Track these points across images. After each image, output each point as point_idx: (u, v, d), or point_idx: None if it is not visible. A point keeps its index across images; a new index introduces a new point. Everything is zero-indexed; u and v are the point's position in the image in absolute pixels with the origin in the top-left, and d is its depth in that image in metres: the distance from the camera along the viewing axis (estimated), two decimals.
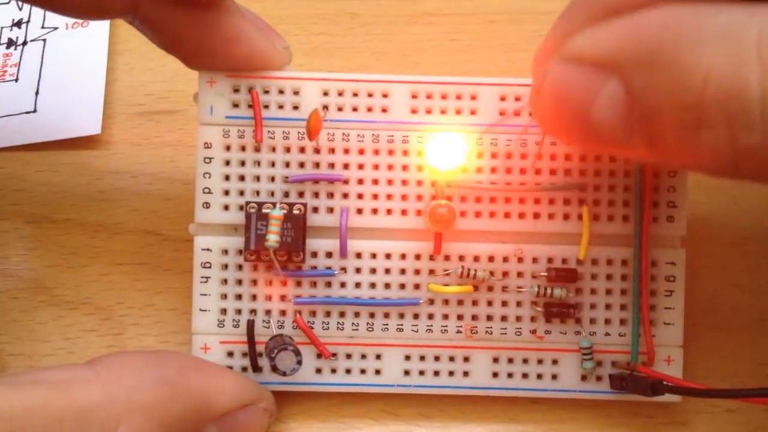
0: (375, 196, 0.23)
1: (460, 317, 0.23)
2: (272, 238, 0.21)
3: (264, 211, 0.22)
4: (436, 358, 0.23)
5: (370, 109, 0.23)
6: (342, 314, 0.23)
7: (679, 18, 0.15)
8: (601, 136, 0.16)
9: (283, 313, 0.23)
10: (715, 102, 0.14)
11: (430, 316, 0.23)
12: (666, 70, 0.14)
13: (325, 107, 0.23)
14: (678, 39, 0.14)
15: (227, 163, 0.23)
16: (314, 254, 0.23)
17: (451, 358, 0.23)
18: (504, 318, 0.23)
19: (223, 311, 0.23)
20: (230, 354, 0.23)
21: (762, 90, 0.14)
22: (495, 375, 0.23)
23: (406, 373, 0.23)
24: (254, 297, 0.23)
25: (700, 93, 0.14)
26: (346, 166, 0.23)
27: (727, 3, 0.15)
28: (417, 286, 0.23)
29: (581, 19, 0.17)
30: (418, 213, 0.23)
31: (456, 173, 0.22)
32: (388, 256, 0.23)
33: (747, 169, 0.15)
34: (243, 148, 0.23)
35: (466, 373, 0.23)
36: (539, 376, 0.23)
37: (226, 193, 0.23)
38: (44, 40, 0.28)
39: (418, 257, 0.23)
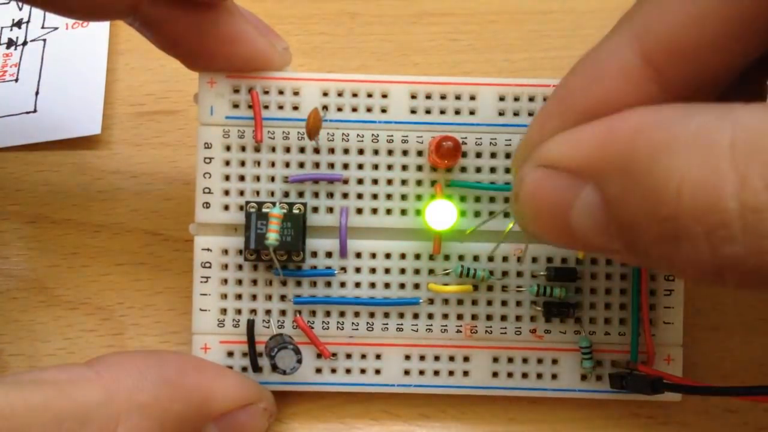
0: (375, 196, 0.23)
1: (459, 317, 0.23)
2: (272, 237, 0.22)
3: (264, 210, 0.22)
4: (436, 358, 0.23)
5: (369, 110, 0.23)
6: (342, 314, 0.23)
7: (651, 125, 0.14)
8: (582, 241, 0.16)
9: (283, 313, 0.23)
10: (692, 215, 0.13)
11: (430, 316, 0.23)
12: (640, 180, 0.14)
13: (325, 107, 0.23)
14: (650, 147, 0.14)
15: (227, 163, 0.23)
16: (314, 254, 0.23)
17: (451, 358, 0.23)
18: (504, 317, 0.23)
19: (223, 311, 0.23)
20: (230, 354, 0.23)
21: (740, 201, 0.13)
22: (495, 375, 0.23)
23: (406, 372, 0.23)
24: (254, 297, 0.23)
25: (675, 205, 0.14)
26: (345, 166, 0.23)
27: (699, 107, 0.14)
28: (417, 286, 0.23)
29: (554, 123, 0.17)
30: (418, 213, 0.23)
31: (455, 172, 0.23)
32: (387, 256, 0.23)
33: (733, 279, 0.14)
34: (243, 149, 0.23)
35: (466, 373, 0.23)
36: (539, 376, 0.23)
37: (226, 193, 0.23)
38: (44, 40, 0.28)
39: (417, 257, 0.23)
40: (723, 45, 0.16)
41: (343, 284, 0.23)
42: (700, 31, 0.16)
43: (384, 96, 0.23)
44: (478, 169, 0.23)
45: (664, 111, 0.15)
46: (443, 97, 0.23)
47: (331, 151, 0.23)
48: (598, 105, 0.17)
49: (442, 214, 0.22)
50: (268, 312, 0.23)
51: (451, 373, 0.23)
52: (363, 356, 0.23)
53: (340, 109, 0.23)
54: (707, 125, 0.14)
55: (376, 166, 0.23)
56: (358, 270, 0.23)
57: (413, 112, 0.23)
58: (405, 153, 0.23)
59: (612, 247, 0.16)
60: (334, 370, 0.23)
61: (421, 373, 0.23)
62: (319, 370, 0.23)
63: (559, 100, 0.18)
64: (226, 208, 0.23)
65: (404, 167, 0.23)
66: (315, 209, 0.23)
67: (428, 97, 0.23)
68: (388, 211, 0.23)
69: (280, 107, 0.23)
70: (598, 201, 0.15)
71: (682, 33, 0.16)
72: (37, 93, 0.27)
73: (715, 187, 0.13)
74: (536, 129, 0.18)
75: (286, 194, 0.23)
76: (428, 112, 0.23)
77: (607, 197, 0.15)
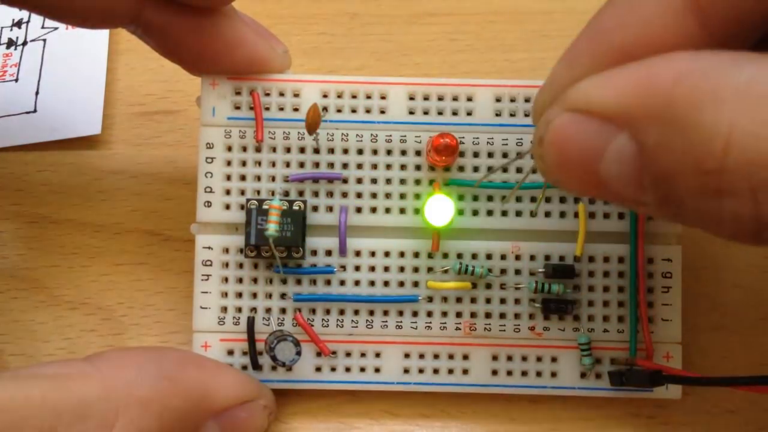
0: (374, 195, 0.25)
1: (458, 314, 0.25)
2: (272, 228, 0.24)
3: (264, 207, 0.24)
4: (436, 356, 0.25)
5: (368, 111, 0.25)
6: (341, 312, 0.25)
7: (696, 71, 0.14)
8: (610, 191, 0.16)
9: (283, 311, 0.25)
10: (739, 169, 0.14)
11: (429, 314, 0.25)
12: (682, 130, 0.14)
13: (325, 109, 0.25)
14: (696, 96, 0.14)
15: (229, 163, 0.25)
16: (314, 252, 0.25)
17: (451, 356, 0.25)
18: (502, 315, 0.25)
19: (224, 309, 0.25)
20: (230, 352, 0.25)
21: None
22: (494, 373, 0.25)
23: (406, 371, 0.25)
24: (254, 295, 0.25)
25: (721, 158, 0.14)
26: (345, 166, 0.25)
27: (747, 56, 0.14)
28: (416, 284, 0.25)
29: (585, 64, 0.18)
30: (417, 211, 0.25)
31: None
32: (386, 254, 0.25)
33: None
34: (244, 149, 0.25)
35: (465, 371, 0.25)
36: (538, 374, 0.25)
37: (228, 192, 0.25)
38: (44, 40, 0.31)
39: (416, 255, 0.25)
40: None
41: (342, 282, 0.25)
42: None
43: (383, 97, 0.25)
44: (476, 169, 0.25)
45: (709, 57, 0.15)
46: (441, 98, 0.25)
47: (331, 150, 0.25)
48: (635, 44, 0.17)
49: (440, 209, 0.24)
50: (268, 310, 0.25)
51: (450, 371, 0.25)
52: (362, 354, 0.25)
53: (339, 110, 0.25)
54: (759, 77, 0.14)
55: (375, 166, 0.25)
56: (357, 268, 0.25)
57: (411, 112, 0.25)
58: (403, 153, 0.25)
59: (643, 199, 0.16)
60: (333, 369, 0.25)
61: (421, 371, 0.25)
62: (318, 369, 0.25)
63: (591, 37, 0.18)
64: (227, 207, 0.25)
65: (403, 167, 0.25)
66: (315, 208, 0.25)
67: (426, 98, 0.25)
68: (387, 210, 0.25)
69: (281, 108, 0.25)
70: (633, 150, 0.15)
71: None
72: (37, 93, 0.30)
73: (767, 142, 0.13)
74: (564, 68, 0.19)
75: (287, 193, 0.25)
76: (426, 112, 0.25)
77: (643, 147, 0.15)
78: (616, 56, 0.17)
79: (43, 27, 0.31)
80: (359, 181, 0.25)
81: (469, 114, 0.25)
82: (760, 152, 0.13)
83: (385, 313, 0.25)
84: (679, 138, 0.14)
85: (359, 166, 0.25)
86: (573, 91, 0.17)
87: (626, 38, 0.17)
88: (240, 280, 0.25)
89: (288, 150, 0.25)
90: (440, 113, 0.25)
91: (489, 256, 0.25)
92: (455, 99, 0.25)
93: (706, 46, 0.16)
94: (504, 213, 0.25)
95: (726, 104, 0.14)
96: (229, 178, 0.25)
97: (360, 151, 0.25)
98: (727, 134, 0.14)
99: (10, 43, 0.31)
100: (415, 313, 0.25)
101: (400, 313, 0.25)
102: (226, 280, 0.25)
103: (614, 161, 0.16)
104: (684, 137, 0.14)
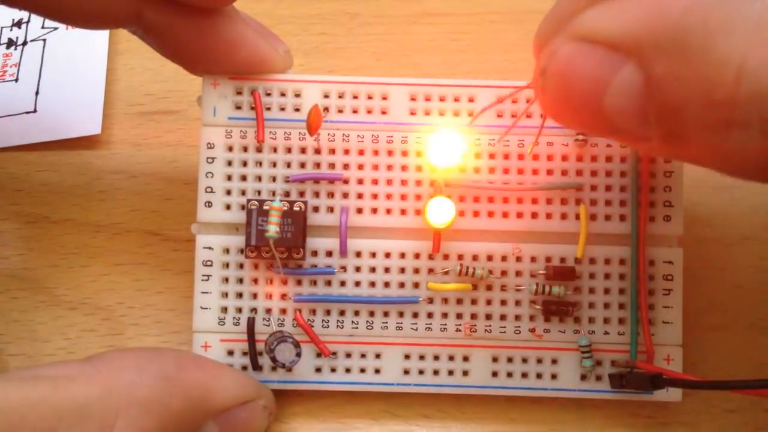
0: (374, 196, 0.25)
1: (459, 316, 0.25)
2: (272, 229, 0.24)
3: (264, 208, 0.24)
4: (436, 357, 0.25)
5: (369, 111, 0.25)
6: (342, 312, 0.25)
7: (707, 2, 0.14)
8: (613, 125, 0.16)
9: (283, 311, 0.25)
10: (749, 100, 0.13)
11: (430, 315, 0.25)
12: (693, 60, 0.14)
13: (326, 109, 0.25)
14: (707, 25, 0.14)
15: (229, 163, 0.25)
16: (314, 253, 0.25)
17: (451, 357, 0.25)
18: (503, 317, 0.25)
19: (224, 309, 0.25)
20: (230, 352, 0.25)
21: None
22: (494, 374, 0.25)
23: (406, 372, 0.25)
24: (255, 295, 0.25)
25: (732, 89, 0.13)
26: (346, 167, 0.25)
27: None
28: (416, 285, 0.25)
29: None
30: (418, 212, 0.25)
31: (454, 171, 0.25)
32: (387, 255, 0.25)
33: None
34: (245, 149, 0.25)
35: (465, 372, 0.25)
36: (539, 376, 0.25)
37: (228, 192, 0.25)
38: (44, 40, 0.30)
39: (417, 256, 0.25)
40: None
41: (343, 283, 0.25)
42: None
43: (384, 98, 0.25)
44: (476, 169, 0.25)
45: None
46: (442, 99, 0.25)
47: (332, 151, 0.25)
48: None
49: (441, 210, 0.24)
50: (268, 311, 0.25)
51: (450, 372, 0.25)
52: (363, 355, 0.25)
53: (340, 111, 0.25)
54: None
55: (376, 167, 0.25)
56: (358, 269, 0.25)
57: (412, 113, 0.25)
58: (404, 153, 0.25)
59: (645, 133, 0.15)
60: (333, 369, 0.25)
61: (421, 372, 0.25)
62: (318, 369, 0.25)
63: None
64: (228, 207, 0.25)
65: (404, 167, 0.25)
66: (315, 209, 0.25)
67: (427, 99, 0.25)
68: (388, 211, 0.25)
69: (282, 108, 0.25)
70: (640, 81, 0.15)
71: None
72: (37, 93, 0.29)
73: None
74: None
75: (287, 194, 0.25)
76: (427, 113, 0.25)
77: (651, 77, 0.15)
78: None
79: (43, 27, 0.31)
80: (360, 181, 0.25)
81: (470, 115, 0.25)
82: None
83: (386, 314, 0.25)
84: (688, 68, 0.14)
85: (360, 167, 0.25)
86: (579, 19, 0.16)
87: None
88: (240, 281, 0.25)
89: (289, 150, 0.25)
90: (441, 114, 0.25)
91: (490, 258, 0.25)
92: (457, 100, 0.25)
93: None
94: (505, 214, 0.25)
95: (739, 34, 0.13)
96: (229, 178, 0.25)
97: (361, 152, 0.25)
98: (739, 64, 0.13)
99: (10, 43, 0.30)
100: (415, 315, 0.25)
101: (401, 314, 0.25)
102: (227, 280, 0.25)
103: (620, 92, 0.15)
104: (694, 67, 0.14)
